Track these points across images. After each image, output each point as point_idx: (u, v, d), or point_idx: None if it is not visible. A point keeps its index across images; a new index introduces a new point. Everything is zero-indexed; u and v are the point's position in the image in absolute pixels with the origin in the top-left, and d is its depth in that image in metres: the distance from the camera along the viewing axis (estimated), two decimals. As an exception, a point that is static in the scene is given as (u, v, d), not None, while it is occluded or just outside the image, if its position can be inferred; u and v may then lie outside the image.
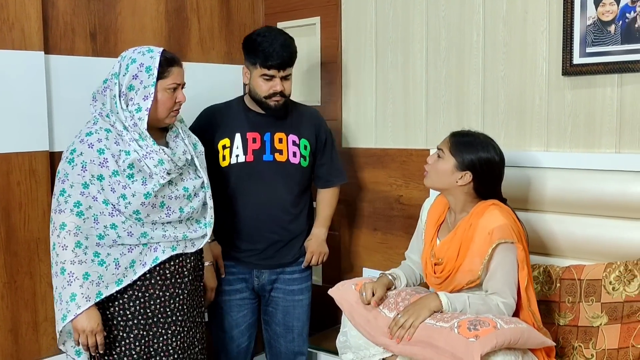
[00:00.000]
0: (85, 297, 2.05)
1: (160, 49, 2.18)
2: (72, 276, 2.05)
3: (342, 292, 2.28)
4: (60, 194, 2.09)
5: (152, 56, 2.14)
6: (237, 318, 2.65)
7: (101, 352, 2.11)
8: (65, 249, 2.05)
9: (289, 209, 2.60)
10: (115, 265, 2.11)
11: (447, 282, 2.18)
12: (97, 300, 2.08)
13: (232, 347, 2.67)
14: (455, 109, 2.72)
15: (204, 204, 2.31)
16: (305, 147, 2.62)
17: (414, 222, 2.54)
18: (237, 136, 2.56)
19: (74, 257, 2.05)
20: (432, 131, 2.79)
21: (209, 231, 2.31)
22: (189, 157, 2.26)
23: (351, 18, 3.03)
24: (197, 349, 2.33)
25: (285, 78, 2.51)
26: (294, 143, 2.59)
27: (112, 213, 2.10)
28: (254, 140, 2.56)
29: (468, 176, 2.14)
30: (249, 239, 2.59)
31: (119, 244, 2.12)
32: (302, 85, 3.25)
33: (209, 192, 2.31)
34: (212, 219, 2.32)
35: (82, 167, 2.08)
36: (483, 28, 2.61)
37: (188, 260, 2.28)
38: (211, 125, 2.58)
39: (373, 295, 2.18)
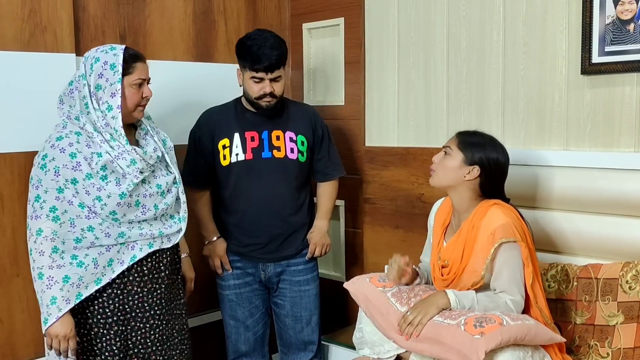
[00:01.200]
0: (65, 300, 2.07)
1: (123, 46, 2.21)
2: (52, 280, 2.07)
3: (358, 286, 2.33)
4: (35, 199, 2.10)
5: (115, 53, 2.16)
6: (251, 308, 2.75)
7: (72, 357, 2.12)
8: (42, 255, 2.07)
9: (289, 202, 2.68)
10: (94, 264, 2.13)
11: (453, 284, 2.20)
12: (78, 301, 2.11)
13: (249, 336, 2.77)
14: (475, 108, 2.73)
15: (177, 199, 2.35)
16: (303, 143, 2.70)
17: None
18: (236, 136, 2.64)
19: (51, 262, 2.07)
20: (453, 130, 2.75)
21: (184, 225, 2.34)
22: (160, 154, 2.29)
23: (374, 19, 3.07)
24: (176, 340, 2.36)
25: (274, 80, 2.57)
26: (291, 140, 2.68)
27: (88, 216, 2.12)
28: (252, 139, 2.64)
29: (476, 171, 2.16)
30: (252, 233, 2.68)
31: (96, 245, 2.14)
32: (326, 85, 3.31)
33: (181, 187, 2.35)
34: (185, 213, 2.35)
35: (55, 172, 2.10)
36: (503, 28, 2.62)
37: (165, 256, 2.32)
38: (210, 128, 2.68)
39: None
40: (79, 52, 2.63)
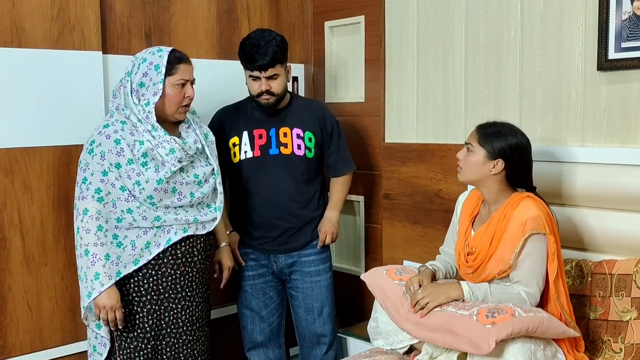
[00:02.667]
0: (108, 276, 2.23)
1: (170, 49, 2.34)
2: (95, 257, 2.23)
3: (374, 277, 2.37)
4: (83, 181, 2.26)
5: (160, 55, 2.31)
6: (265, 299, 2.83)
7: (120, 327, 2.29)
8: (89, 233, 2.23)
9: (297, 197, 2.75)
10: (132, 246, 2.29)
11: (478, 271, 2.22)
12: (117, 278, 2.26)
13: (264, 326, 2.84)
14: (493, 104, 2.76)
15: (214, 189, 2.46)
16: (310, 140, 2.75)
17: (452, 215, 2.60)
18: (245, 134, 2.73)
19: (96, 239, 2.23)
20: (471, 126, 2.75)
21: (219, 215, 2.46)
22: (200, 146, 2.41)
23: (394, 16, 3.10)
24: (204, 322, 2.52)
25: (271, 78, 2.62)
26: (298, 136, 2.73)
27: (127, 199, 2.27)
28: (260, 137, 2.72)
29: (500, 164, 2.18)
30: (262, 227, 2.75)
31: (134, 227, 2.29)
32: (347, 82, 3.35)
33: (219, 179, 2.47)
34: (221, 203, 2.47)
35: (101, 156, 2.26)
36: (520, 24, 2.64)
37: (198, 241, 2.44)
38: (222, 126, 2.76)
39: (420, 287, 2.22)
40: (105, 50, 2.72)
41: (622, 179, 2.34)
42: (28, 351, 2.57)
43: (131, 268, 2.29)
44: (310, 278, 2.81)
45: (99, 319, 2.27)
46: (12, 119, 2.49)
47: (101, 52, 2.69)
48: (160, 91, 2.28)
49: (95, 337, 2.36)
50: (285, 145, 2.72)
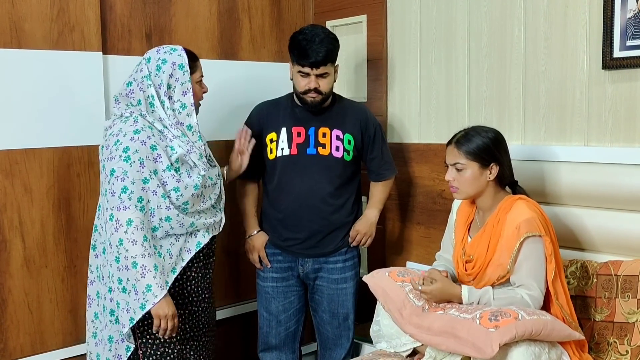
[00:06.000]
0: (160, 286, 2.15)
1: (181, 47, 2.32)
2: (145, 269, 2.13)
3: (377, 280, 2.35)
4: (122, 191, 2.15)
5: (179, 54, 2.29)
6: (285, 304, 2.77)
7: (174, 334, 2.23)
8: (135, 244, 2.13)
9: (329, 200, 2.67)
10: (169, 255, 2.24)
11: (478, 278, 2.21)
12: (167, 287, 2.19)
13: (281, 330, 2.80)
14: (496, 103, 2.73)
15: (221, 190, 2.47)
16: (349, 142, 2.68)
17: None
18: (283, 130, 2.67)
19: (143, 250, 2.14)
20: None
21: (223, 215, 2.47)
22: (208, 149, 2.42)
23: (396, 15, 3.08)
24: (215, 320, 2.52)
25: (321, 76, 2.56)
26: (337, 137, 2.67)
27: (168, 206, 2.22)
28: (299, 135, 2.66)
29: (495, 167, 2.18)
30: (292, 228, 2.69)
31: (168, 235, 2.24)
32: (349, 82, 3.33)
33: (222, 179, 2.48)
34: (224, 203, 2.48)
35: (140, 163, 2.17)
36: (524, 23, 2.61)
37: (213, 242, 2.44)
38: (260, 121, 2.72)
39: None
40: (105, 50, 2.70)
41: (627, 179, 2.32)
42: (29, 354, 2.56)
43: (172, 277, 2.24)
44: (336, 285, 2.74)
45: (156, 330, 2.19)
46: (11, 120, 2.47)
47: (101, 53, 2.67)
48: (190, 90, 2.27)
49: (109, 350, 2.28)
50: (324, 146, 2.65)
